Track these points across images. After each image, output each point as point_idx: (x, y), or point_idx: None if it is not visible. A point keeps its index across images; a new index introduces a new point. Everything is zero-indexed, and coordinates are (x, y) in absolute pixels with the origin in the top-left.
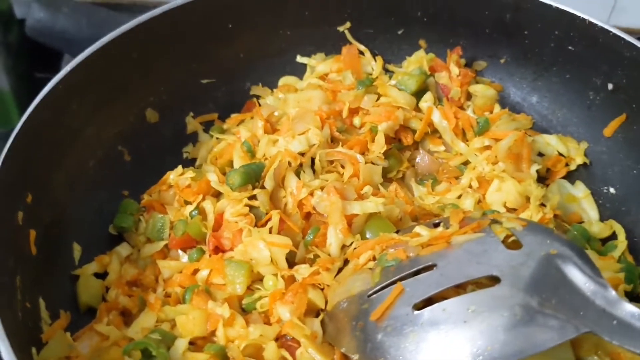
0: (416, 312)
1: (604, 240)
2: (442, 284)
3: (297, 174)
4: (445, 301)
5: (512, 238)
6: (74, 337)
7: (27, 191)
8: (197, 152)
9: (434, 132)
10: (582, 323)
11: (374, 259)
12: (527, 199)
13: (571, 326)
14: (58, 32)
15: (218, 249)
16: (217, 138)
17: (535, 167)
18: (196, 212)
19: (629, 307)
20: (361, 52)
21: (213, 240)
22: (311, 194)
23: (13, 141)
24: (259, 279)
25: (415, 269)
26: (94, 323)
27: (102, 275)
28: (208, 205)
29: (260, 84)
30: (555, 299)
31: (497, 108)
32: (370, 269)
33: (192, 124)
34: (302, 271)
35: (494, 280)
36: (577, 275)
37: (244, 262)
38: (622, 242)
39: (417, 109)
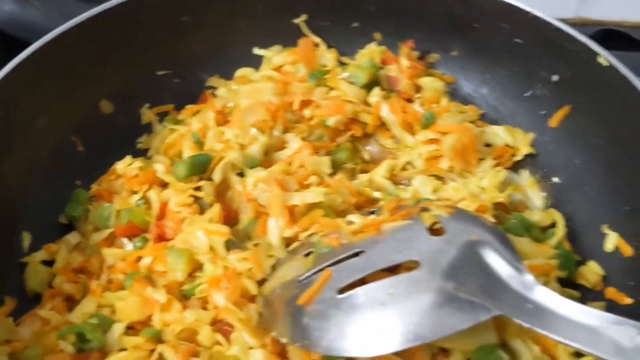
0: (339, 295)
1: (548, 229)
2: (365, 269)
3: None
4: (366, 285)
5: (439, 225)
6: (18, 322)
7: None
8: (151, 143)
9: (383, 124)
10: (495, 306)
11: None
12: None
13: (484, 309)
14: (28, 24)
15: (162, 238)
16: (170, 129)
17: (488, 164)
18: (142, 201)
19: (544, 292)
20: (316, 44)
21: (156, 229)
22: (256, 186)
23: None
24: (200, 266)
25: (345, 254)
26: (37, 308)
27: (50, 263)
28: (153, 194)
29: (216, 75)
30: (472, 283)
31: (445, 100)
32: (305, 255)
33: (147, 114)
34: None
35: (416, 265)
36: (495, 260)
37: (184, 250)
38: (560, 229)
39: (367, 102)
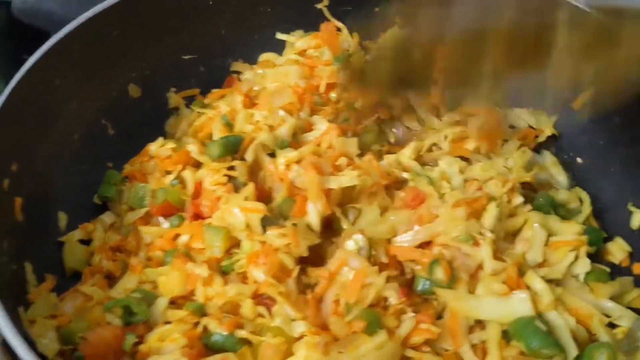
0: None
1: (573, 208)
2: None
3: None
4: None
5: None
6: (60, 298)
7: (13, 160)
8: (178, 126)
9: (409, 107)
10: None
11: None
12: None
13: None
14: (45, 12)
15: (198, 216)
16: (198, 112)
17: (513, 145)
18: (176, 181)
19: None
20: (338, 29)
21: (192, 207)
22: (288, 166)
23: None
24: (238, 243)
25: None
26: (78, 285)
27: (87, 242)
28: (188, 174)
29: (240, 60)
30: None
31: None
32: None
33: (174, 99)
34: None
35: None
36: None
37: (221, 227)
38: (586, 207)
39: None
